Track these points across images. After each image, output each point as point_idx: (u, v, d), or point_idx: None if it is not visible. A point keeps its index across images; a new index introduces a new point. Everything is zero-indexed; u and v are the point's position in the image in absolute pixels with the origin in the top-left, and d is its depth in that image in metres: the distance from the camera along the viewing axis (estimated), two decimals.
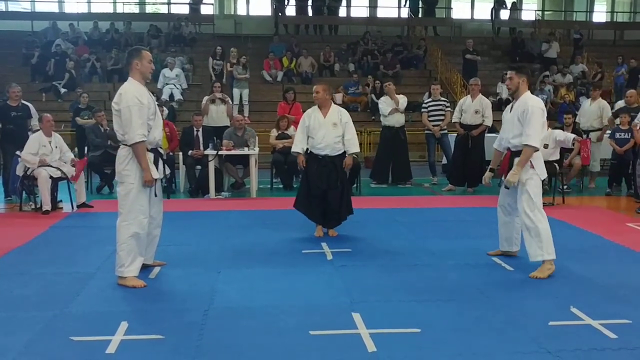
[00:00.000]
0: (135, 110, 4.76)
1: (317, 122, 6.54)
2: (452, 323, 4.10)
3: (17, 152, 8.39)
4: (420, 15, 21.35)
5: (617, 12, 24.13)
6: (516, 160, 5.22)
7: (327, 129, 6.50)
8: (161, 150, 5.14)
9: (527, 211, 5.17)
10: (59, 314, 4.28)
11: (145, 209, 4.92)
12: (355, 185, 9.79)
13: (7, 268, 5.47)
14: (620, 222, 7.56)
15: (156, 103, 5.13)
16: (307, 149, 6.65)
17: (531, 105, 5.14)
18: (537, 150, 5.17)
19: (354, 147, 6.62)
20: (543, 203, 8.49)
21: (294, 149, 6.74)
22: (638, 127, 8.89)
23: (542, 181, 8.74)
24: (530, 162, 5.18)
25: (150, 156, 4.93)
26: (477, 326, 4.04)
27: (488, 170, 5.77)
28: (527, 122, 5.11)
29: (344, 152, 6.60)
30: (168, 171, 5.31)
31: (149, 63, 4.95)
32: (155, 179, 4.93)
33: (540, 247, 5.13)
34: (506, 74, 5.55)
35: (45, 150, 8.19)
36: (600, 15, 24.54)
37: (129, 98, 4.77)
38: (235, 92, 15.03)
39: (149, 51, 5.15)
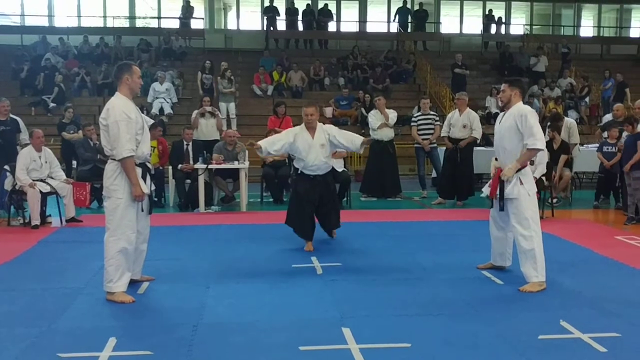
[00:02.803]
0: (124, 125, 4.75)
1: (306, 143, 6.55)
2: (442, 337, 4.09)
3: (6, 167, 8.34)
4: (409, 30, 21.50)
5: (603, 27, 24.43)
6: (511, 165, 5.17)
7: (317, 152, 6.56)
8: (149, 165, 5.11)
9: (522, 231, 5.13)
10: (46, 330, 4.23)
11: (133, 224, 4.90)
12: (345, 198, 9.80)
13: None
14: (609, 235, 7.60)
15: (149, 120, 5.14)
16: (298, 169, 6.75)
17: (528, 111, 5.14)
18: (540, 150, 5.20)
19: (358, 139, 6.70)
20: None
21: (264, 146, 6.54)
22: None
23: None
24: (520, 178, 5.15)
25: (139, 171, 4.92)
26: (467, 340, 4.04)
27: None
28: (529, 126, 5.07)
29: (332, 168, 6.81)
30: (152, 187, 5.27)
31: (138, 79, 4.97)
32: (145, 194, 4.91)
33: (535, 268, 5.12)
34: (494, 87, 5.59)
35: (36, 165, 8.15)
36: (587, 30, 24.83)
37: (117, 113, 4.76)
38: (222, 105, 14.99)
39: (138, 67, 5.16)
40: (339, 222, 7.01)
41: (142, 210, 5.02)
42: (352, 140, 6.66)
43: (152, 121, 5.76)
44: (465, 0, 23.55)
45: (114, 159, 4.83)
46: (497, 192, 5.27)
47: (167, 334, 4.16)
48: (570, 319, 4.38)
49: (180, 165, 9.68)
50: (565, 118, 10.90)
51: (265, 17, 20.82)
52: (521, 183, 5.14)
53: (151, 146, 9.74)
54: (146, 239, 5.24)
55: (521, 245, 5.16)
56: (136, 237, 4.96)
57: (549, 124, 10.07)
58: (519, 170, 5.16)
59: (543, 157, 8.72)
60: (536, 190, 5.34)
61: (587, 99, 17.21)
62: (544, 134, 10.41)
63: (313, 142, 6.54)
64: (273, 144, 6.60)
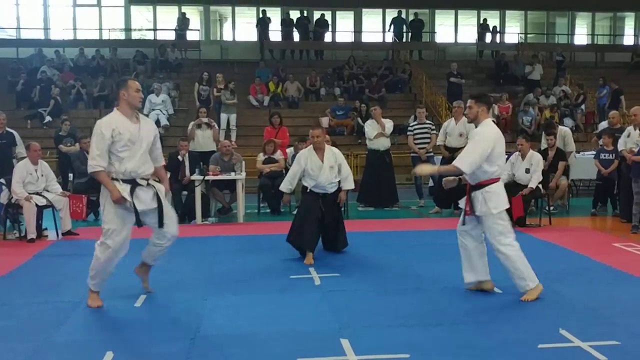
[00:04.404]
0: (94, 141, 4.87)
1: (315, 165, 6.84)
2: (441, 347, 4.07)
3: (1, 180, 8.31)
4: (404, 40, 21.58)
5: (597, 35, 24.57)
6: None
7: (326, 173, 6.84)
8: (141, 182, 4.99)
9: (498, 247, 5.09)
10: (42, 344, 4.20)
11: (115, 229, 4.92)
12: (342, 208, 9.77)
13: None
14: (606, 243, 7.58)
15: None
16: (307, 187, 6.95)
17: (481, 131, 5.08)
18: (462, 172, 5.04)
19: (349, 184, 7.02)
20: (530, 224, 8.62)
21: (283, 187, 7.13)
22: (636, 151, 8.84)
23: (529, 202, 8.82)
24: (484, 196, 5.03)
25: (127, 187, 4.89)
26: (467, 350, 4.02)
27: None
28: (469, 145, 5.10)
29: (339, 187, 6.97)
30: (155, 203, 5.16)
31: (136, 92, 4.95)
32: (125, 199, 4.85)
33: (523, 277, 5.09)
34: (491, 96, 5.55)
35: (32, 179, 8.11)
36: (581, 38, 24.97)
37: (95, 128, 4.89)
38: (223, 117, 15.03)
39: (135, 79, 5.16)
40: (346, 241, 7.17)
41: (139, 226, 5.02)
42: (346, 177, 7.00)
43: None
44: (460, 9, 23.68)
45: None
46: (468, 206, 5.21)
47: (165, 346, 4.13)
48: (569, 327, 4.36)
49: (184, 178, 9.59)
50: (560, 127, 10.92)
51: (258, 29, 20.88)
52: (485, 202, 5.05)
53: None
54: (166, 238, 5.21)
55: (502, 262, 5.14)
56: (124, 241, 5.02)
57: (544, 132, 10.09)
58: (482, 187, 5.06)
59: (538, 165, 8.74)
60: (506, 206, 5.11)
61: (583, 107, 17.25)
62: (540, 141, 10.52)
63: (323, 165, 6.85)
64: (293, 179, 7.02)
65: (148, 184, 5.04)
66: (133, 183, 4.95)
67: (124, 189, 4.88)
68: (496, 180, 5.10)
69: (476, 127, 5.23)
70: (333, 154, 6.98)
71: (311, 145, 7.01)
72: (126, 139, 4.86)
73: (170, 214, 5.19)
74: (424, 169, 5.64)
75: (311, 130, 7.08)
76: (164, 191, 5.13)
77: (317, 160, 6.86)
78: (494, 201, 5.04)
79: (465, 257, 5.31)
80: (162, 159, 5.36)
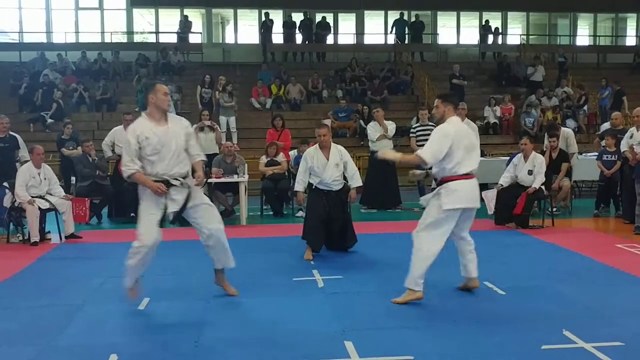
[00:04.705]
0: (124, 148, 5.08)
1: (320, 163, 6.96)
2: (444, 349, 4.06)
3: (5, 184, 8.32)
4: (406, 42, 21.59)
5: (599, 36, 24.56)
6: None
7: (331, 171, 6.95)
8: (174, 182, 5.04)
9: (416, 233, 5.18)
10: (46, 348, 4.21)
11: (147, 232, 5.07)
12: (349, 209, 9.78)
13: None
14: (609, 244, 7.57)
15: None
16: (312, 184, 7.07)
17: (440, 127, 5.15)
18: (424, 162, 5.05)
19: (357, 181, 7.11)
20: (532, 226, 8.62)
21: (296, 187, 7.21)
22: (637, 151, 8.83)
23: (532, 203, 8.80)
24: (440, 191, 5.08)
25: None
26: (470, 352, 4.01)
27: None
28: (431, 137, 5.15)
29: (344, 185, 7.06)
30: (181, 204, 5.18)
31: (164, 95, 5.04)
32: (164, 190, 4.94)
33: (413, 275, 5.08)
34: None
35: (34, 182, 8.13)
36: (583, 39, 24.96)
37: (125, 138, 5.05)
38: (222, 119, 15.03)
39: (163, 84, 5.25)
40: (355, 238, 7.24)
41: (172, 223, 5.21)
42: (352, 175, 7.10)
43: None
44: (462, 11, 23.68)
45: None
46: None
47: (169, 349, 4.13)
48: (573, 328, 4.35)
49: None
50: (563, 128, 10.91)
51: (262, 32, 20.91)
52: (439, 197, 5.09)
53: None
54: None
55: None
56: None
57: (546, 133, 10.08)
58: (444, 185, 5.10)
59: (542, 167, 8.73)
60: (460, 205, 5.06)
61: (585, 108, 17.23)
62: (543, 143, 10.50)
63: (328, 163, 6.95)
64: (304, 178, 7.11)
65: (182, 184, 5.06)
66: (166, 184, 5.00)
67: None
68: (458, 177, 5.07)
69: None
70: (339, 151, 7.07)
71: (317, 144, 7.10)
72: (154, 143, 4.93)
73: (208, 210, 5.22)
74: (387, 153, 5.58)
75: (317, 128, 7.17)
76: (196, 185, 5.16)
77: (323, 158, 6.97)
78: (449, 197, 5.05)
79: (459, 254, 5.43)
80: (200, 154, 5.29)
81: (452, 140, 5.02)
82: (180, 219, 5.19)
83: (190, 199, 5.07)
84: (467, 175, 5.10)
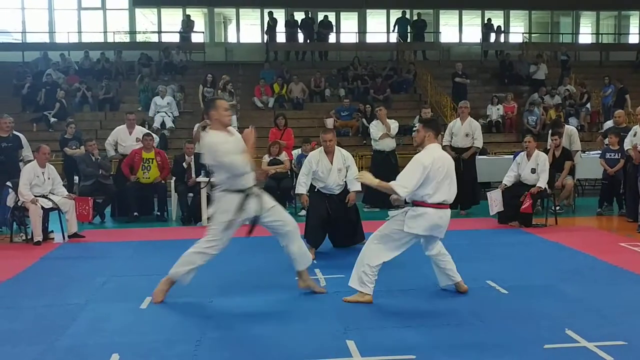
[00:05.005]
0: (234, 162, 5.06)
1: (324, 168, 7.06)
2: (447, 348, 4.06)
3: (8, 183, 8.34)
4: (409, 40, 21.56)
5: (602, 33, 24.50)
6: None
7: (335, 176, 7.06)
8: (253, 191, 5.13)
9: (371, 236, 5.25)
10: (49, 347, 4.22)
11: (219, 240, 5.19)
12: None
13: None
14: (613, 242, 7.56)
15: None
16: (314, 187, 7.17)
17: (417, 157, 5.10)
18: (398, 194, 5.05)
19: (357, 186, 7.11)
20: (536, 224, 8.61)
21: (298, 190, 7.25)
22: (639, 148, 8.82)
23: (536, 202, 8.77)
24: (408, 212, 5.09)
25: (236, 197, 5.04)
26: (473, 351, 4.01)
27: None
28: (407, 167, 5.11)
29: (346, 187, 7.14)
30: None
31: (225, 111, 5.13)
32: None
33: (360, 277, 5.12)
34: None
35: (38, 181, 8.15)
36: (585, 37, 24.90)
37: (222, 151, 4.96)
38: None
39: (223, 99, 5.39)
40: (363, 235, 7.26)
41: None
42: (353, 180, 7.11)
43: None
44: (464, 9, 23.64)
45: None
46: None
47: (171, 348, 4.14)
48: (575, 327, 4.35)
49: (190, 180, 9.62)
50: (566, 125, 10.89)
51: (267, 32, 20.92)
52: (405, 219, 5.12)
53: (149, 158, 9.86)
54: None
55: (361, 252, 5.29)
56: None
57: (550, 131, 10.07)
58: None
59: (545, 165, 8.72)
60: (416, 232, 5.10)
61: (588, 106, 17.19)
62: (546, 141, 10.48)
63: (332, 168, 7.05)
64: (306, 180, 7.14)
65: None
66: (243, 193, 5.09)
67: (233, 200, 5.04)
68: (428, 205, 5.04)
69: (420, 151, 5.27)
70: (342, 156, 7.14)
71: (321, 148, 7.18)
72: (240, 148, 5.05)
73: (281, 213, 5.34)
74: (365, 176, 5.51)
75: (323, 134, 7.26)
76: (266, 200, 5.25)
77: (327, 163, 7.05)
78: (413, 221, 5.05)
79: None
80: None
81: (428, 170, 4.98)
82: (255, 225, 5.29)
83: (263, 205, 5.18)
84: (438, 205, 5.07)
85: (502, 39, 22.48)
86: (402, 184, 5.00)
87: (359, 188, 7.17)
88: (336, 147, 7.20)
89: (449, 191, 5.13)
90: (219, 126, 5.13)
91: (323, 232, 7.11)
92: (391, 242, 5.13)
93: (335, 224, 7.14)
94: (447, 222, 5.18)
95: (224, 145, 4.99)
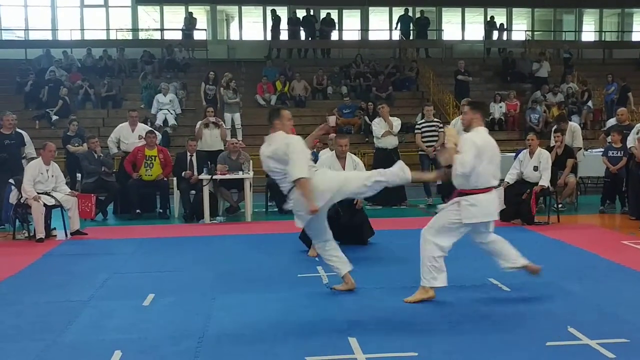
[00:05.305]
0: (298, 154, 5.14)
1: None
2: (449, 346, 4.06)
3: (10, 180, 8.35)
4: (411, 38, 21.54)
5: (605, 31, 24.44)
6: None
7: None
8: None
9: (424, 229, 5.18)
10: (51, 344, 4.22)
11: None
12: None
13: None
14: (615, 240, 7.55)
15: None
16: None
17: (465, 137, 5.06)
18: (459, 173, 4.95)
19: None
20: (538, 222, 8.60)
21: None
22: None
23: (538, 200, 8.76)
24: (461, 202, 4.99)
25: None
26: (475, 348, 4.01)
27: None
28: (462, 150, 5.01)
29: None
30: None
31: (289, 121, 5.30)
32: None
33: (426, 274, 5.08)
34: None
35: (42, 179, 8.16)
36: (588, 34, 24.85)
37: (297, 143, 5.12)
38: (227, 116, 15.03)
39: (287, 109, 5.48)
40: (372, 230, 7.42)
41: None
42: None
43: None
44: (467, 7, 23.61)
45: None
46: None
47: (173, 345, 4.14)
48: (577, 325, 4.34)
49: (184, 172, 9.67)
50: (570, 123, 10.89)
51: (270, 28, 20.92)
52: (459, 210, 5.03)
53: (152, 155, 9.87)
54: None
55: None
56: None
57: (554, 127, 10.05)
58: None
59: (547, 163, 8.71)
60: (472, 221, 5.01)
61: (589, 104, 17.14)
62: (548, 139, 10.48)
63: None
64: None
65: None
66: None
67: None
68: (479, 191, 4.97)
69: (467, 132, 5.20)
70: (353, 161, 7.23)
71: (333, 152, 7.26)
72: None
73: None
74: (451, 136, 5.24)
75: (338, 139, 7.32)
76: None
77: (340, 167, 7.09)
78: (468, 210, 4.97)
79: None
80: None
81: (478, 151, 4.92)
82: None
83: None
84: (486, 189, 5.02)
85: (504, 37, 22.46)
86: (461, 162, 4.92)
87: None
88: (348, 153, 7.27)
89: (494, 174, 5.11)
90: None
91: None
92: (448, 232, 5.07)
93: (343, 227, 7.04)
94: (497, 204, 5.19)
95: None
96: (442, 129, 10.58)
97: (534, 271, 5.26)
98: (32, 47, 19.89)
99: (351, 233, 7.22)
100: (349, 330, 4.36)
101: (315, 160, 8.44)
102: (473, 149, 4.91)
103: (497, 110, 16.35)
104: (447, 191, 10.08)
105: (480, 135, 5.08)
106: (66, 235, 8.27)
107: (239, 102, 15.53)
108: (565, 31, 24.14)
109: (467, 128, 5.22)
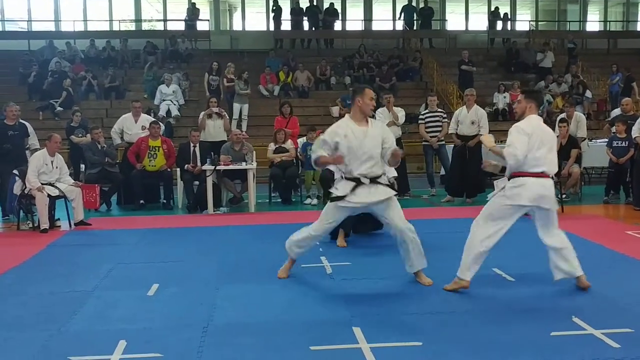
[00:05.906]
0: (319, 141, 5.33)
1: None
2: (453, 336, 4.06)
3: (14, 171, 8.37)
4: (415, 28, 21.45)
5: (610, 21, 24.30)
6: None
7: None
8: (364, 180, 5.14)
9: (475, 219, 5.17)
10: (55, 333, 4.24)
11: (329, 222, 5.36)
12: None
13: (4, 288, 5.42)
14: (619, 231, 7.54)
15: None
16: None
17: (515, 125, 5.03)
18: (510, 161, 4.92)
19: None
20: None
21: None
22: None
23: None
24: (508, 185, 4.98)
25: (348, 184, 5.15)
26: (479, 338, 4.01)
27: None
28: (510, 136, 5.00)
29: None
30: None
31: (370, 100, 5.18)
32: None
33: (462, 265, 5.09)
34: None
35: (46, 169, 8.17)
36: (593, 24, 24.72)
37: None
38: (236, 107, 15.01)
39: (371, 88, 5.37)
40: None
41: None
42: None
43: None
44: None
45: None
46: None
47: (177, 335, 4.15)
48: (582, 315, 4.34)
49: (186, 166, 9.67)
50: (575, 112, 10.85)
51: (272, 18, 20.85)
52: (504, 188, 5.04)
53: (155, 146, 9.88)
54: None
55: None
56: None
57: (559, 117, 10.01)
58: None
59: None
60: (516, 203, 4.97)
61: (587, 94, 16.94)
62: (553, 129, 10.43)
63: None
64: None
65: (373, 182, 5.16)
66: (357, 181, 5.13)
67: (346, 186, 5.14)
68: (527, 174, 4.92)
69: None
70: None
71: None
72: (352, 143, 5.10)
73: (394, 208, 5.30)
74: (487, 138, 5.34)
75: None
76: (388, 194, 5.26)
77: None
78: (513, 192, 4.95)
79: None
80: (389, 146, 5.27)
81: (530, 137, 4.88)
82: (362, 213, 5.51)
83: (375, 197, 5.17)
84: (537, 174, 4.94)
85: (508, 27, 22.33)
86: (511, 152, 4.90)
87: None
88: None
89: (549, 162, 5.01)
90: (358, 114, 5.20)
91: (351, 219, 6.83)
92: (496, 220, 5.03)
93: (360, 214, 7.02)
94: (552, 192, 5.05)
95: (336, 132, 5.16)
96: (445, 119, 10.55)
97: (585, 286, 5.11)
98: (35, 38, 19.88)
99: (367, 219, 6.94)
100: (352, 320, 4.36)
101: (305, 152, 8.29)
102: (521, 136, 4.89)
103: (501, 100, 16.30)
104: (452, 183, 10.13)
105: (529, 121, 5.02)
106: (70, 225, 8.30)
107: (249, 93, 15.52)
108: (569, 21, 24.00)
109: (520, 117, 5.18)
